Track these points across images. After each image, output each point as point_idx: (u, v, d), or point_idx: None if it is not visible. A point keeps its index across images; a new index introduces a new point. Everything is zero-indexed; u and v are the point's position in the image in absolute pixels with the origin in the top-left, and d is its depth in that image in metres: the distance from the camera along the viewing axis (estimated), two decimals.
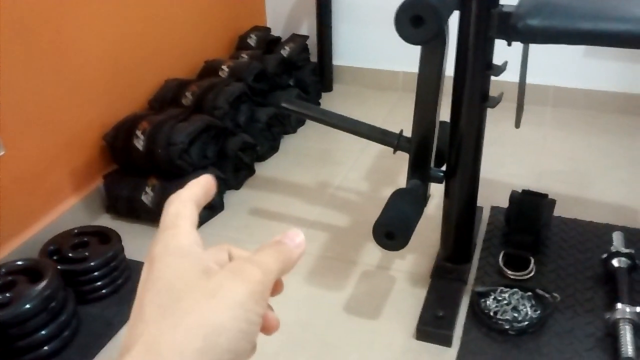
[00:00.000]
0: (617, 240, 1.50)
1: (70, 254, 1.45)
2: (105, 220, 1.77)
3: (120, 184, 1.75)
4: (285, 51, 2.30)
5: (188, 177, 1.68)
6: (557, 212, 1.62)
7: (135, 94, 1.92)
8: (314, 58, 2.54)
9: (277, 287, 0.38)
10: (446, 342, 1.30)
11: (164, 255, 0.33)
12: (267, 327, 0.37)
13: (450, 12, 1.13)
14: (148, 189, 1.69)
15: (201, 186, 0.38)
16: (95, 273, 1.43)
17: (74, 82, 1.67)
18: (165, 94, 1.95)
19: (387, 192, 1.34)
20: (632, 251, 1.45)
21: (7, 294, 1.25)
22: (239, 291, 0.31)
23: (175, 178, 1.68)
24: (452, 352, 1.29)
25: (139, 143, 1.69)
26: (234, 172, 1.87)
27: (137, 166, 1.73)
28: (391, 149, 1.41)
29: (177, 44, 2.10)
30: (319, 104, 2.48)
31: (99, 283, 1.44)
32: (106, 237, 1.52)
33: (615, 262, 1.44)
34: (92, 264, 1.43)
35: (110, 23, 1.77)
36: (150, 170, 1.72)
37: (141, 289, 0.32)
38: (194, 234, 0.35)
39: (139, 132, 1.70)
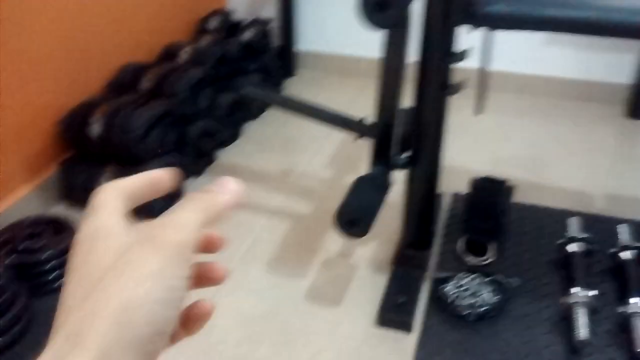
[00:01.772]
0: (573, 226, 1.54)
1: (22, 245, 1.40)
2: (61, 210, 1.72)
3: (76, 171, 1.70)
4: (246, 35, 2.27)
5: (147, 164, 1.64)
6: (516, 198, 1.64)
7: (91, 78, 1.87)
8: (276, 43, 2.51)
9: (214, 244, 0.37)
10: (406, 328, 1.31)
11: (83, 241, 0.32)
12: (214, 278, 0.36)
13: None
14: (105, 177, 1.65)
15: (145, 179, 0.36)
16: (50, 264, 1.39)
17: (26, 65, 1.61)
18: (122, 78, 1.90)
19: (350, 179, 1.33)
20: (588, 236, 1.48)
21: None
22: (151, 261, 0.29)
23: (134, 165, 1.65)
24: (413, 338, 1.30)
25: (96, 129, 1.64)
26: (194, 158, 1.84)
27: (94, 153, 1.68)
28: (354, 136, 1.41)
29: (135, 28, 2.04)
30: (282, 89, 2.45)
31: (53, 275, 1.40)
32: (61, 226, 1.48)
33: (571, 247, 1.47)
34: (46, 255, 1.39)
35: (65, 4, 1.71)
36: (108, 157, 1.68)
37: (65, 279, 0.31)
38: (116, 216, 0.33)
39: (95, 118, 1.65)
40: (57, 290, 1.25)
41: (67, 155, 1.75)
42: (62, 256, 1.41)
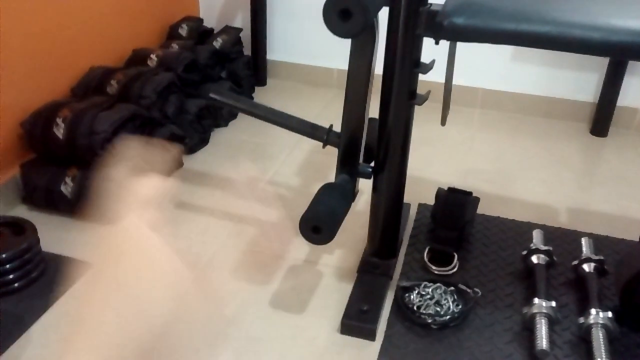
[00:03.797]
0: (537, 238, 1.56)
1: None
2: (21, 211, 1.69)
3: (38, 173, 1.66)
4: (217, 43, 2.26)
5: (111, 168, 1.62)
6: (481, 209, 1.66)
7: (57, 80, 1.84)
8: (247, 51, 2.51)
9: None
10: (370, 336, 1.31)
11: None
12: None
13: (379, 8, 1.14)
14: (68, 179, 1.62)
15: None
16: (7, 266, 1.35)
17: None
18: (89, 81, 1.87)
19: (318, 187, 1.33)
20: (551, 248, 1.50)
21: None
22: None
23: (98, 168, 1.62)
24: (376, 345, 1.29)
25: (59, 131, 1.61)
26: None
27: (57, 155, 1.65)
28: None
29: (104, 31, 2.02)
30: (252, 98, 2.45)
31: (10, 276, 1.36)
32: (20, 228, 1.44)
33: (534, 259, 1.48)
34: (3, 256, 1.35)
35: (32, 4, 1.68)
36: (71, 160, 1.65)
37: None
38: None
39: (59, 120, 1.62)
40: (14, 292, 1.22)
41: (30, 157, 1.72)
42: (19, 258, 1.37)
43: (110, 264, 0.39)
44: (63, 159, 1.65)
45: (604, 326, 1.28)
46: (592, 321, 1.29)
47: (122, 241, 0.39)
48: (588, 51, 1.03)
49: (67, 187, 1.62)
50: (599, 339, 1.26)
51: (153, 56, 2.01)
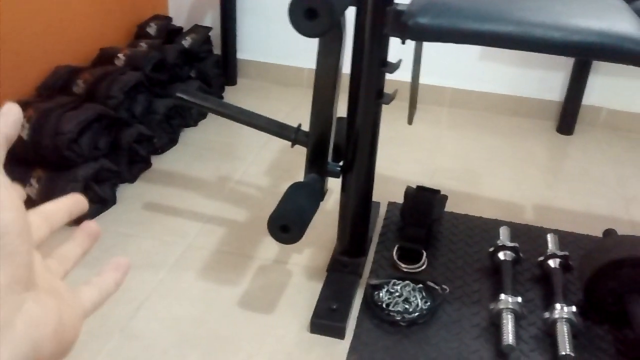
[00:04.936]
0: (504, 235, 1.58)
1: None
2: None
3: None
4: (186, 42, 2.25)
5: (77, 169, 1.60)
6: (449, 207, 1.68)
7: (21, 80, 1.80)
8: (217, 51, 2.49)
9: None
10: (339, 334, 1.32)
11: None
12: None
13: (346, 7, 1.14)
14: (33, 181, 1.59)
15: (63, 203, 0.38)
16: None
17: None
18: (54, 81, 1.84)
19: (287, 187, 1.33)
20: (517, 245, 1.52)
21: None
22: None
23: (63, 170, 1.59)
24: (345, 344, 1.30)
25: (24, 132, 1.58)
26: (128, 164, 1.80)
27: (21, 156, 1.62)
28: None
29: (69, 29, 1.99)
30: (222, 97, 2.43)
31: None
32: None
33: (501, 255, 1.51)
34: None
35: None
36: (36, 161, 1.62)
37: None
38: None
39: (23, 120, 1.59)
40: None
41: None
42: None
43: None
44: (27, 160, 1.62)
45: (568, 320, 1.30)
46: (557, 316, 1.32)
47: None
48: (550, 50, 1.05)
49: (32, 189, 1.59)
50: (563, 333, 1.28)
51: (120, 55, 1.98)
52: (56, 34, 1.92)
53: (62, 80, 1.83)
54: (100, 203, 1.67)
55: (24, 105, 1.65)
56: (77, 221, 0.40)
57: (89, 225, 0.40)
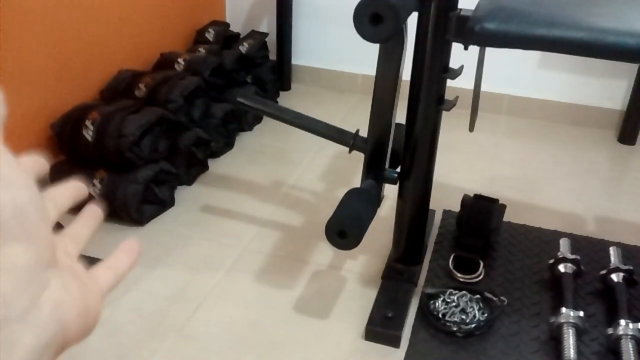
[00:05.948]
0: (564, 247, 1.53)
1: None
2: None
3: (66, 175, 1.68)
4: (243, 47, 2.28)
5: (137, 171, 1.64)
6: (507, 217, 1.64)
7: (86, 83, 1.86)
8: (273, 56, 2.52)
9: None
10: (394, 342, 1.30)
11: None
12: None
13: (409, 12, 1.13)
14: (96, 182, 1.64)
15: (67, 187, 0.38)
16: None
17: (20, 67, 1.60)
18: (117, 84, 1.89)
19: (342, 192, 1.33)
20: (578, 257, 1.48)
21: None
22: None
23: (124, 171, 1.64)
24: (401, 352, 1.29)
25: (88, 133, 1.63)
26: (186, 167, 1.83)
27: (86, 157, 1.67)
28: (347, 150, 1.41)
29: (132, 35, 2.04)
30: (276, 102, 2.46)
31: None
32: None
33: (561, 268, 1.46)
34: None
35: (62, 9, 1.71)
36: (99, 162, 1.67)
37: None
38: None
39: (88, 122, 1.64)
40: None
41: (59, 159, 1.74)
42: None
43: None
44: (91, 161, 1.67)
45: (633, 337, 1.26)
46: (621, 332, 1.27)
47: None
48: (622, 58, 1.01)
49: (95, 190, 1.64)
50: (628, 350, 1.24)
51: (180, 60, 2.02)
52: (119, 39, 1.98)
53: (125, 84, 1.88)
54: (160, 204, 1.71)
55: (89, 108, 1.70)
56: (76, 209, 0.40)
57: (93, 207, 0.39)
